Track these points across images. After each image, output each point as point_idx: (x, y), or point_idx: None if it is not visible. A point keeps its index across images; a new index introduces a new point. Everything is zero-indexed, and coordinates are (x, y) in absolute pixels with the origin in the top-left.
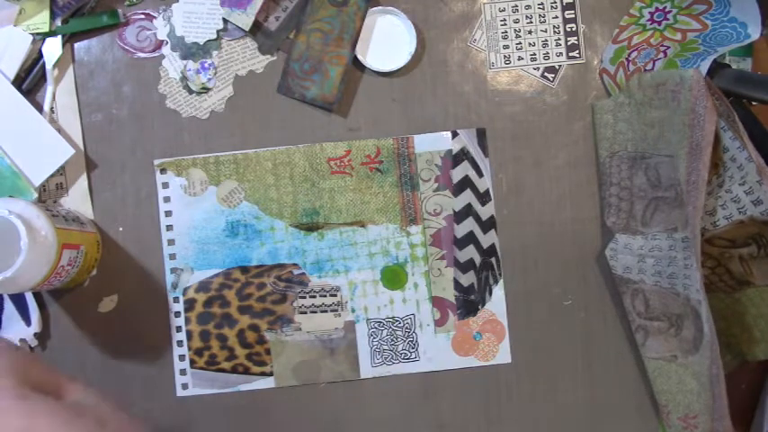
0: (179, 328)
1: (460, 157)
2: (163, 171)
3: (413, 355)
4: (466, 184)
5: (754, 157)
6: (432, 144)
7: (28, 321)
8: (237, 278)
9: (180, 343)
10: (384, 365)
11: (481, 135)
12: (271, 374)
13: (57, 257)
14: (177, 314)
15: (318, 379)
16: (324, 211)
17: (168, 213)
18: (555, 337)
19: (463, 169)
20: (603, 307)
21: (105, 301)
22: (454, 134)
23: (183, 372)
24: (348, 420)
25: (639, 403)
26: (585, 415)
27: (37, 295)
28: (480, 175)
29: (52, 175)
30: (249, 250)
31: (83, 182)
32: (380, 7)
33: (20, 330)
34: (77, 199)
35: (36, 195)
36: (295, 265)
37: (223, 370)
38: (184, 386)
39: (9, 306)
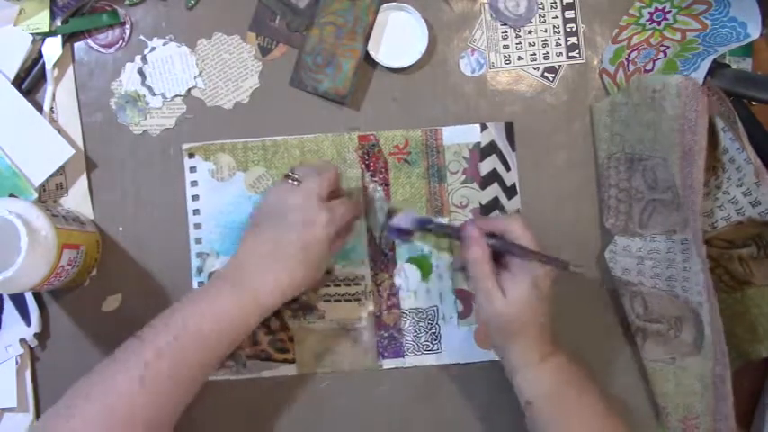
0: None
1: (488, 150)
2: (191, 155)
3: (435, 347)
4: (493, 177)
5: (753, 158)
6: (460, 136)
7: (28, 321)
8: None
9: None
10: (406, 356)
11: (509, 129)
12: (293, 361)
13: (57, 257)
14: None
15: (340, 367)
16: None
17: (195, 198)
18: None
19: (491, 163)
20: (602, 308)
21: (109, 300)
22: (483, 127)
23: None
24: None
25: (638, 405)
26: None
27: (37, 295)
28: (508, 169)
29: (52, 175)
30: None
31: (83, 182)
32: (394, 3)
33: (20, 330)
34: (77, 199)
35: (36, 195)
36: None
37: (246, 356)
38: None
39: (9, 306)
